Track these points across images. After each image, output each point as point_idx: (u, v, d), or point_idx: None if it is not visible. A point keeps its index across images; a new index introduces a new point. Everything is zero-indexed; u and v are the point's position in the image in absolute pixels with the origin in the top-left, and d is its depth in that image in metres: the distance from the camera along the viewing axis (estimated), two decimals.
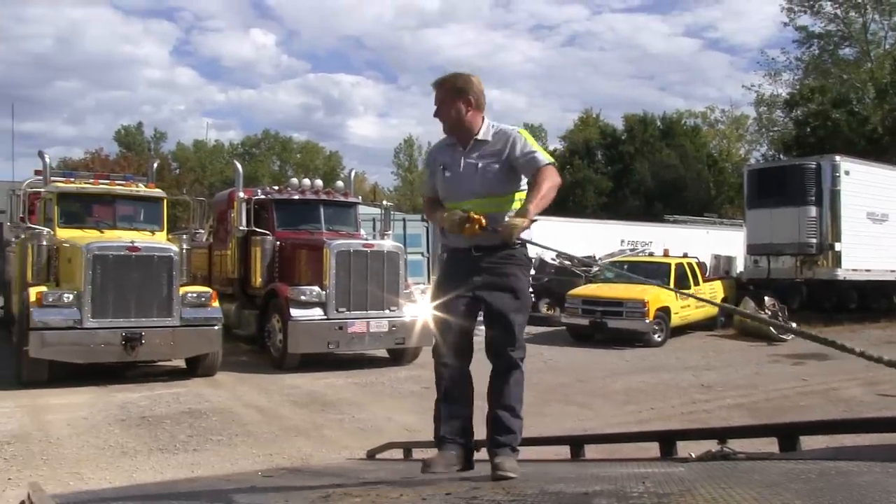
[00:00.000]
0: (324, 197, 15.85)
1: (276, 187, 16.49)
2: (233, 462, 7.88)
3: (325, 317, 13.51)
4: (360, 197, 16.93)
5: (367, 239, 15.22)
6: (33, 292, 11.66)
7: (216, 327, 12.46)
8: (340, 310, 13.63)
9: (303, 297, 13.44)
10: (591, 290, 19.28)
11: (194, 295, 12.45)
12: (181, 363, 13.16)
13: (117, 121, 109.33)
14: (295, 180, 15.93)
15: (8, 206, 14.29)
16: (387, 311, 14.00)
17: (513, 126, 4.37)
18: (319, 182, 16.28)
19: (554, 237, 26.05)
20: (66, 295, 11.56)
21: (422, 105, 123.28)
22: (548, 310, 23.87)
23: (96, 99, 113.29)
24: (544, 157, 4.16)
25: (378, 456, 7.30)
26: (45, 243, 12.88)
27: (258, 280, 15.00)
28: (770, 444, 3.64)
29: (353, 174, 17.52)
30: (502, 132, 4.23)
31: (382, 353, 15.00)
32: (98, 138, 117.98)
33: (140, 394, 11.33)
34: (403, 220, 23.72)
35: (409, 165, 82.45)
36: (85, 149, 70.53)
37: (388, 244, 14.69)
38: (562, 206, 49.73)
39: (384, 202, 17.39)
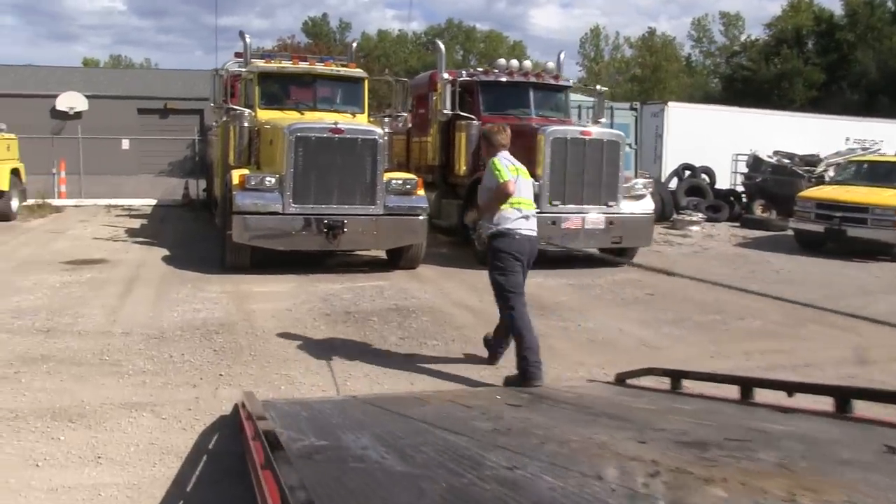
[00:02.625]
0: (533, 79, 14.37)
1: (480, 69, 15.11)
2: (455, 371, 6.87)
3: (538, 210, 12.23)
4: (570, 81, 15.27)
5: (584, 125, 13.69)
6: (235, 175, 11.08)
7: (421, 217, 11.51)
8: (554, 203, 12.34)
9: None
10: (827, 193, 16.83)
11: (399, 182, 11.49)
12: (381, 254, 12.40)
13: (304, 13, 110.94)
14: (502, 61, 14.52)
15: (210, 88, 13.79)
16: (603, 207, 12.58)
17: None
18: (528, 63, 14.83)
19: (754, 131, 23.75)
20: (267, 178, 10.89)
21: None
22: (762, 211, 21.65)
23: None
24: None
25: (629, 381, 6.10)
26: (246, 124, 12.28)
27: (462, 168, 13.90)
28: None
29: (561, 56, 15.88)
30: None
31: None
32: (287, 30, 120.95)
33: (342, 285, 10.62)
34: (611, 108, 21.83)
35: (595, 56, 78.92)
36: (277, 38, 71.89)
37: (606, 132, 13.14)
38: (765, 99, 45.79)
39: (598, 86, 15.68)
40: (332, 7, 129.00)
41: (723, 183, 23.89)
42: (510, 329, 6.63)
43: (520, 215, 6.59)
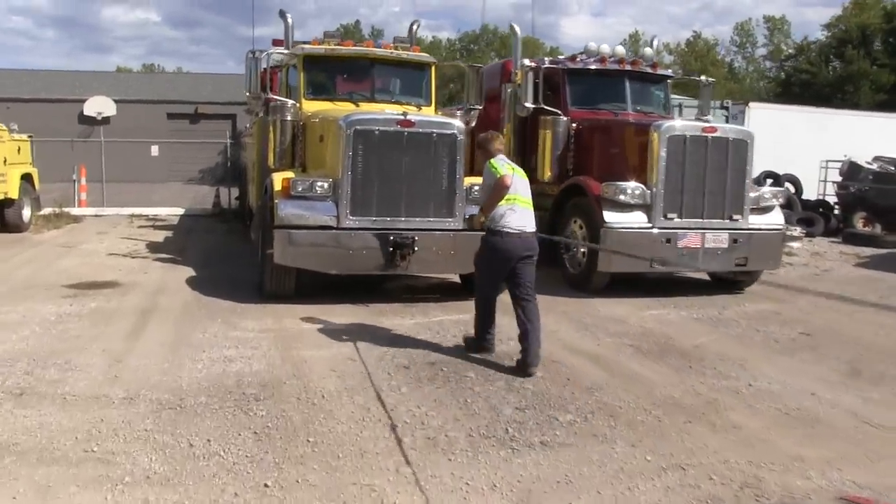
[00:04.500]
0: (629, 68, 11.99)
1: (563, 56, 12.74)
2: (618, 476, 4.49)
3: (650, 224, 9.88)
4: (670, 70, 12.85)
5: (707, 121, 11.26)
6: (278, 179, 8.79)
7: None
8: (669, 216, 9.94)
9: (622, 197, 9.84)
10: None
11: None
12: (451, 275, 10.15)
13: (335, 23, 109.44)
14: (592, 44, 12.12)
15: (245, 75, 11.55)
16: (727, 221, 10.16)
17: None
18: (621, 48, 12.40)
19: (844, 135, 21.05)
20: (318, 183, 8.60)
21: (639, 3, 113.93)
22: (864, 225, 19.03)
23: (317, 3, 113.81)
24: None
25: None
26: (289, 118, 10.04)
27: (546, 173, 11.54)
28: None
29: (654, 41, 13.48)
30: None
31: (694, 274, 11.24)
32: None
33: (413, 320, 8.32)
34: (680, 105, 19.35)
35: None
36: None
37: (733, 129, 10.77)
38: (827, 102, 42.91)
39: (703, 77, 13.22)
40: (363, 16, 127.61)
41: (810, 192, 21.30)
42: (476, 306, 7.06)
43: (513, 212, 6.66)
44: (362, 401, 5.57)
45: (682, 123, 10.28)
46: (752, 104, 22.32)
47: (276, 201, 8.56)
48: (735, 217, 10.18)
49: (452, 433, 5.03)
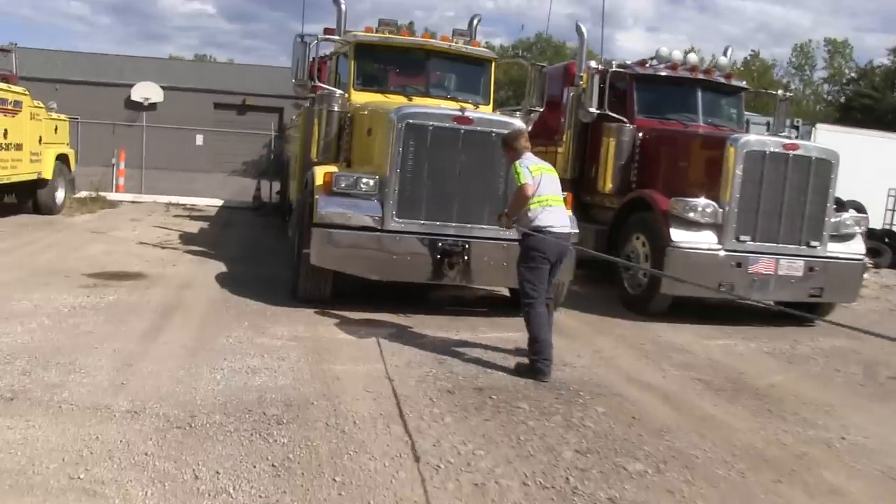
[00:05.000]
0: (702, 76, 11.12)
1: (631, 61, 11.89)
2: None
3: (720, 246, 9.03)
4: (744, 82, 11.94)
5: (788, 137, 10.38)
6: (320, 173, 8.10)
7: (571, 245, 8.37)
8: (742, 238, 9.08)
9: (691, 215, 9.00)
10: None
11: None
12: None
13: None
14: (664, 49, 11.27)
15: (292, 61, 10.90)
16: (804, 247, 9.27)
17: None
18: (694, 56, 11.53)
19: (887, 159, 19.84)
20: (364, 180, 7.89)
21: (695, 21, 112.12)
22: None
23: (372, 3, 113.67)
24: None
25: None
26: (336, 108, 9.33)
27: (607, 184, 10.76)
28: None
29: (728, 51, 12.57)
30: None
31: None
32: None
33: (458, 335, 7.57)
34: (747, 121, 18.31)
35: None
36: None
37: (816, 147, 9.86)
38: (890, 127, 41.19)
39: (780, 91, 12.29)
40: (419, 19, 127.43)
41: (875, 221, 20.14)
42: (526, 324, 6.53)
43: (548, 212, 6.56)
44: (400, 432, 4.82)
45: (760, 138, 9.40)
46: (819, 125, 21.26)
47: (316, 197, 7.86)
48: (813, 243, 9.30)
49: (504, 480, 4.26)
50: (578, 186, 11.18)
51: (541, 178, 6.57)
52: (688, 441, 5.16)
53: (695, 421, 5.65)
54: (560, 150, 11.74)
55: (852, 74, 61.50)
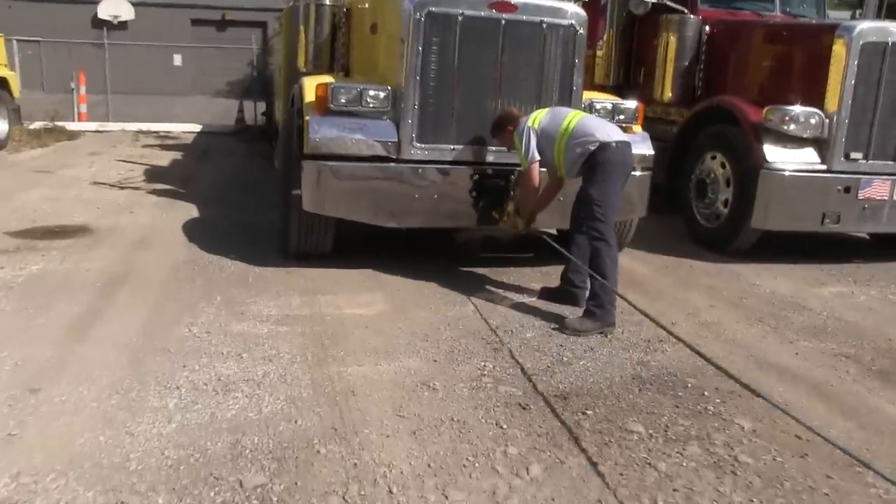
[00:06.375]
0: None
1: None
2: None
3: (825, 167, 7.00)
4: None
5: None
6: (311, 86, 5.95)
7: (644, 174, 6.34)
8: (852, 156, 7.04)
9: (792, 128, 6.93)
10: None
11: (608, 107, 6.31)
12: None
13: None
14: None
15: None
16: None
17: None
18: None
19: None
20: (371, 92, 5.73)
21: None
22: None
23: None
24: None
25: None
26: (328, 1, 7.17)
27: (666, 91, 8.68)
28: None
29: None
30: None
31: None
32: None
33: (507, 296, 5.62)
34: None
35: None
36: None
37: None
38: None
39: None
40: None
41: None
42: (593, 261, 5.04)
43: (590, 127, 5.26)
44: (445, 440, 2.90)
45: (882, 26, 7.21)
46: None
47: (306, 118, 5.71)
48: None
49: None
50: (622, 96, 9.07)
51: (574, 126, 5.27)
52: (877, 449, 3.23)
53: (873, 432, 3.73)
54: (600, 53, 9.62)
55: None
